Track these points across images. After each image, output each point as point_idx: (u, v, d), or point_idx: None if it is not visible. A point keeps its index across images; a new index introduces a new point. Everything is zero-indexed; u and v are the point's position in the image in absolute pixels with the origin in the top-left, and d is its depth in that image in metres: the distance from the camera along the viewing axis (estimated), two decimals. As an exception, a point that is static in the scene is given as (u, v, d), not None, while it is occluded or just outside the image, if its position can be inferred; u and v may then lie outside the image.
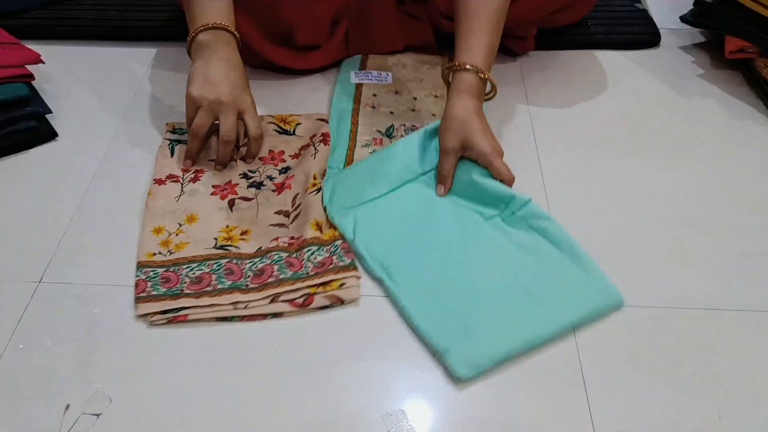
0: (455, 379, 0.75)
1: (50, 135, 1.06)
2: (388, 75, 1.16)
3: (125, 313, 0.82)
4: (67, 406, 0.73)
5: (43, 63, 1.10)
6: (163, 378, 0.75)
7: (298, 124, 1.05)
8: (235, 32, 0.97)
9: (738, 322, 0.82)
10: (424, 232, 0.89)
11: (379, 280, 0.85)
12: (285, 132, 1.04)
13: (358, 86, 1.12)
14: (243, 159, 1.00)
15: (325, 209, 0.92)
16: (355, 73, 1.15)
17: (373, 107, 1.09)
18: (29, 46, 1.11)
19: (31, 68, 1.07)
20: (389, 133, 1.04)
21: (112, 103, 1.13)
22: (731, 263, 0.89)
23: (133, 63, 1.22)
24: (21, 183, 0.99)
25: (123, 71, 1.20)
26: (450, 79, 0.94)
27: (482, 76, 0.92)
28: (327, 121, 1.06)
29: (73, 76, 1.19)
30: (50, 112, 1.08)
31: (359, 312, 0.82)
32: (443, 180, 0.93)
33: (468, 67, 0.91)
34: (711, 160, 1.04)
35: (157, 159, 1.00)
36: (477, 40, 0.93)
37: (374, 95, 1.11)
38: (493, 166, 0.89)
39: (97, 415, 0.72)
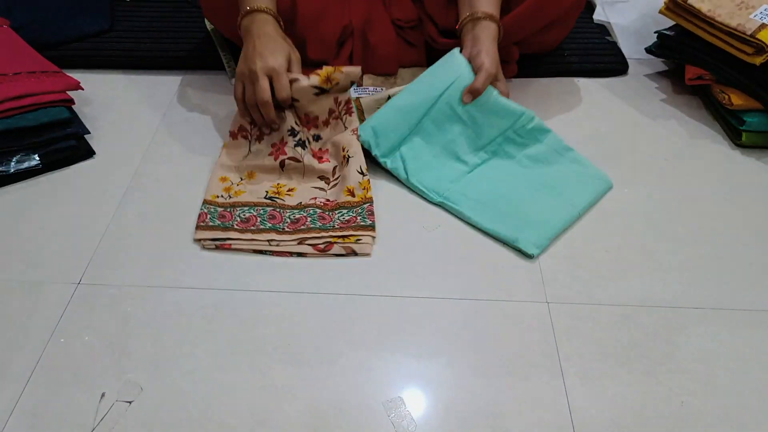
0: (528, 257, 0.89)
1: (88, 153, 1.06)
2: (382, 88, 1.15)
3: (156, 311, 0.82)
4: (103, 394, 0.72)
5: (82, 89, 1.10)
6: (187, 369, 0.75)
7: (337, 83, 1.02)
8: (273, 11, 1.00)
9: (698, 318, 0.82)
10: (459, 158, 1.01)
11: (440, 205, 0.96)
12: (324, 91, 1.02)
13: (357, 101, 1.10)
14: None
15: (374, 157, 1.00)
16: (354, 88, 1.15)
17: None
18: (70, 74, 1.11)
19: (71, 94, 1.07)
20: None
21: (143, 124, 1.13)
22: (691, 266, 0.89)
23: (161, 89, 1.22)
24: (62, 195, 0.98)
25: (153, 96, 1.20)
26: (470, 28, 1.02)
27: (498, 24, 1.02)
28: (355, 82, 1.05)
29: (109, 100, 1.18)
30: (88, 132, 1.08)
31: (361, 307, 0.82)
32: (477, 94, 0.99)
33: (491, 14, 1.01)
34: (673, 176, 1.04)
35: (235, 114, 1.05)
36: None
37: (378, 107, 1.07)
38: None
39: (129, 402, 0.72)
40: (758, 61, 1.03)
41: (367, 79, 1.18)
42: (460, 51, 1.03)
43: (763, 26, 1.02)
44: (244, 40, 0.99)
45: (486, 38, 1.00)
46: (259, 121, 1.00)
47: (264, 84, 0.95)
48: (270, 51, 0.96)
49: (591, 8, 1.45)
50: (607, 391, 0.74)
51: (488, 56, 0.98)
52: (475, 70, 1.00)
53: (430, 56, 1.21)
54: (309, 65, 1.15)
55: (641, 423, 0.71)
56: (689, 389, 0.74)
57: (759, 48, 1.02)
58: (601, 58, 1.29)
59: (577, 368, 0.76)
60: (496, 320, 0.81)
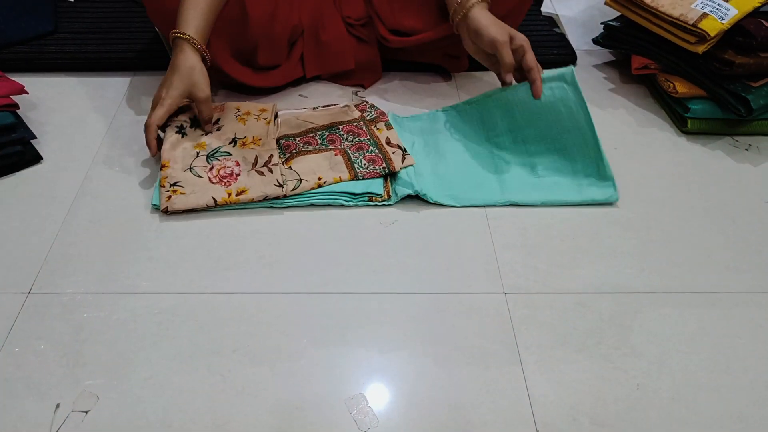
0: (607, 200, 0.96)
1: (35, 158, 1.02)
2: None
3: (110, 318, 0.80)
4: (58, 405, 0.70)
5: (27, 93, 1.07)
6: (145, 375, 0.74)
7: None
8: (198, 42, 0.98)
9: (651, 302, 0.84)
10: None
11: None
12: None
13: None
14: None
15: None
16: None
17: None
18: (13, 78, 1.07)
19: (15, 98, 1.03)
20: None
21: (91, 128, 1.10)
22: (643, 251, 0.91)
23: (110, 91, 1.19)
24: (9, 203, 0.95)
25: (101, 99, 1.17)
26: (461, 13, 1.01)
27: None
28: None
29: (55, 104, 1.15)
30: (35, 137, 1.04)
31: (321, 304, 0.82)
32: (511, 69, 1.00)
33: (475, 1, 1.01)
34: (623, 163, 1.05)
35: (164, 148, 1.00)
36: None
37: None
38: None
39: (86, 412, 0.70)
40: (700, 49, 1.05)
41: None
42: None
43: (704, 16, 1.05)
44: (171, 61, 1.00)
45: (480, 20, 1.00)
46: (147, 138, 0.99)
47: (150, 111, 0.98)
48: (169, 83, 0.98)
49: (539, 1, 1.46)
50: (566, 378, 0.75)
51: (492, 30, 0.98)
52: (493, 50, 0.99)
53: (383, 53, 1.21)
54: (261, 70, 1.14)
55: (600, 407, 0.72)
56: (644, 371, 0.75)
57: (701, 37, 1.05)
58: (550, 50, 1.31)
59: (536, 356, 0.77)
60: (454, 312, 0.82)
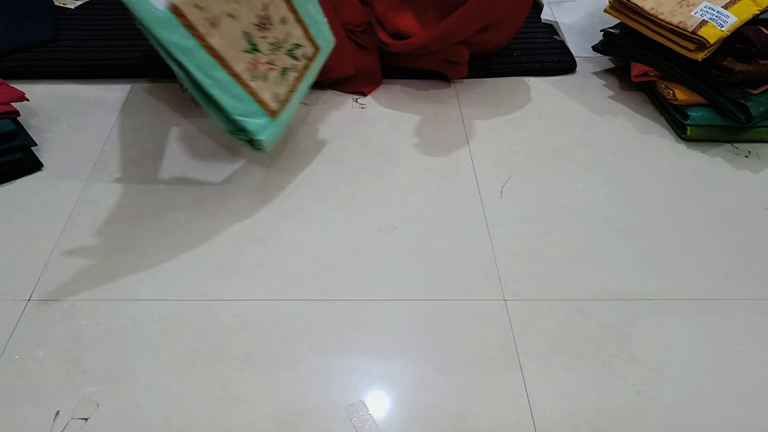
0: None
1: (36, 165, 1.03)
2: None
3: (110, 325, 0.80)
4: (57, 412, 0.70)
5: (28, 100, 1.08)
6: (144, 382, 0.74)
7: None
8: None
9: (650, 309, 0.84)
10: None
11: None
12: None
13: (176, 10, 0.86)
14: None
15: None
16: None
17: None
18: (14, 86, 1.07)
19: (16, 105, 1.04)
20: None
21: (91, 134, 1.11)
22: (642, 258, 0.91)
23: (110, 98, 1.19)
24: (9, 210, 0.96)
25: (101, 106, 1.17)
26: None
27: None
28: None
29: (56, 111, 1.16)
30: (35, 144, 1.05)
31: (320, 312, 0.82)
32: None
33: None
34: (623, 169, 1.06)
35: None
36: None
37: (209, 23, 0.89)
38: None
39: (85, 419, 0.70)
40: (700, 56, 1.05)
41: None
42: None
43: (703, 23, 1.05)
44: None
45: None
46: None
47: None
48: None
49: (539, 8, 1.47)
50: (566, 385, 0.75)
51: None
52: None
53: (383, 60, 1.22)
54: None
55: (599, 414, 0.72)
56: (644, 378, 0.76)
57: (700, 44, 1.05)
58: (550, 57, 1.31)
59: (536, 363, 0.77)
60: (455, 319, 0.82)
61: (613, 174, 1.05)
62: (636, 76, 1.19)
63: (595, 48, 1.28)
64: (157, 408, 0.71)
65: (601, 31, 1.27)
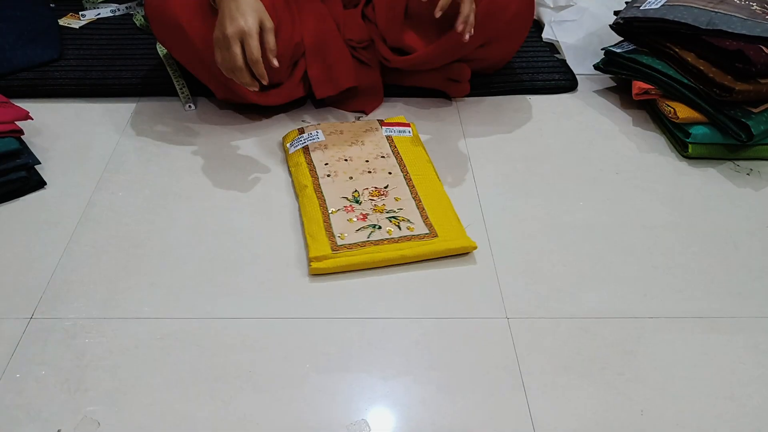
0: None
1: (39, 184, 1.04)
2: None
3: (112, 343, 0.80)
4: (59, 432, 0.70)
5: (32, 119, 1.09)
6: (146, 401, 0.74)
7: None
8: None
9: (654, 327, 0.84)
10: None
11: None
12: None
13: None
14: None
15: None
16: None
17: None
18: (18, 104, 1.09)
19: (20, 124, 1.05)
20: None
21: (95, 153, 1.11)
22: (645, 276, 0.91)
23: (114, 117, 1.20)
24: (12, 228, 0.96)
25: (105, 124, 1.18)
26: None
27: None
28: None
29: (60, 130, 1.17)
30: (39, 163, 1.06)
31: (323, 330, 0.82)
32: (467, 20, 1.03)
33: None
34: (625, 187, 1.06)
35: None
36: None
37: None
38: None
39: (87, 438, 0.70)
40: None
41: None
42: None
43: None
44: (219, 6, 0.98)
45: None
46: (243, 81, 0.99)
47: (235, 49, 0.95)
48: (241, 13, 0.95)
49: (539, 28, 1.48)
50: (569, 404, 0.75)
51: None
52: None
53: (385, 78, 1.23)
54: (263, 88, 1.15)
55: (603, 434, 0.72)
56: (648, 398, 0.75)
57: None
58: (552, 75, 1.32)
59: (539, 382, 0.77)
60: (458, 338, 0.82)
61: (614, 192, 1.05)
62: (637, 95, 1.20)
63: (596, 66, 1.29)
64: (158, 427, 0.71)
65: (602, 49, 1.28)
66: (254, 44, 0.95)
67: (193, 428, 0.71)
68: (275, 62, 0.99)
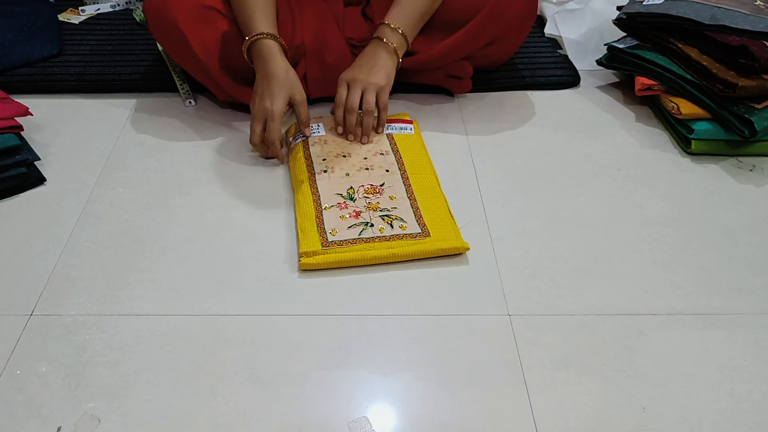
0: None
1: (39, 180, 1.04)
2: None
3: (112, 340, 0.80)
4: (59, 429, 0.71)
5: (32, 115, 1.09)
6: (147, 397, 0.74)
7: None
8: (275, 35, 1.03)
9: (654, 324, 0.84)
10: None
11: None
12: None
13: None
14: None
15: None
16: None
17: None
18: (18, 100, 1.09)
19: (20, 120, 1.05)
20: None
21: (95, 149, 1.12)
22: (646, 273, 0.91)
23: (114, 112, 1.21)
24: (12, 224, 0.96)
25: (105, 120, 1.19)
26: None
27: (405, 36, 1.06)
28: None
29: (60, 126, 1.17)
30: (39, 159, 1.06)
31: (324, 327, 0.82)
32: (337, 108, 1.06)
33: (394, 26, 1.05)
34: (626, 183, 1.06)
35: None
36: (408, 6, 1.06)
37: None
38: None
39: (87, 434, 0.70)
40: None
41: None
42: None
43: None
44: (256, 70, 1.04)
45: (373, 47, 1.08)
46: (258, 153, 1.08)
47: (256, 128, 1.02)
48: (269, 93, 1.00)
49: (542, 23, 1.48)
50: (570, 400, 0.75)
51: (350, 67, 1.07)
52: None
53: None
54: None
55: (604, 429, 0.72)
56: (649, 394, 0.76)
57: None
58: (554, 71, 1.32)
59: (540, 378, 0.77)
60: (458, 334, 0.82)
61: (616, 188, 1.05)
62: (640, 90, 1.20)
63: (598, 62, 1.29)
64: (159, 423, 0.71)
65: (604, 45, 1.28)
66: (274, 127, 1.01)
67: (194, 424, 0.71)
68: (308, 132, 1.06)
